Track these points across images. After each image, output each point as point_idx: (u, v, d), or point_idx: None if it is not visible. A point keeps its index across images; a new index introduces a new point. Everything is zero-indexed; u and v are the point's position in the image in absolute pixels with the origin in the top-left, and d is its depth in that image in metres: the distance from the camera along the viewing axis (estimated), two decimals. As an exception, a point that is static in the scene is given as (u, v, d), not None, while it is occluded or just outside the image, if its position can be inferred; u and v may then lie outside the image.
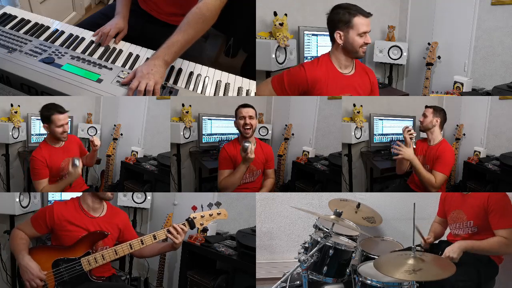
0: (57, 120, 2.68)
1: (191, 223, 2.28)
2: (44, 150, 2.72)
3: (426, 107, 2.93)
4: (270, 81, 2.52)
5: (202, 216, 2.29)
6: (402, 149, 2.72)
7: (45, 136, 2.79)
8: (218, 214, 2.33)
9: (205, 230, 3.03)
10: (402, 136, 2.94)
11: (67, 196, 2.53)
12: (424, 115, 2.90)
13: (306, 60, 3.46)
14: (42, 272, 2.17)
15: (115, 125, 4.04)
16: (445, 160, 2.81)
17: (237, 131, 2.89)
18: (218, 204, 2.34)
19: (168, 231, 2.24)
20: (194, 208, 2.33)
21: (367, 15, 2.42)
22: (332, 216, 2.40)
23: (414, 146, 2.79)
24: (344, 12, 2.41)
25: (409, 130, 2.77)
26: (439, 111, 2.90)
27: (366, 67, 2.67)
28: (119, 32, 2.63)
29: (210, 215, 2.31)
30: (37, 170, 2.67)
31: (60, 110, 2.69)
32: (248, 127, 2.76)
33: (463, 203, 2.50)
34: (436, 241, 2.65)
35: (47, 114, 2.66)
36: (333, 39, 2.47)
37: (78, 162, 2.66)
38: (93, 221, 2.37)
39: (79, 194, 2.46)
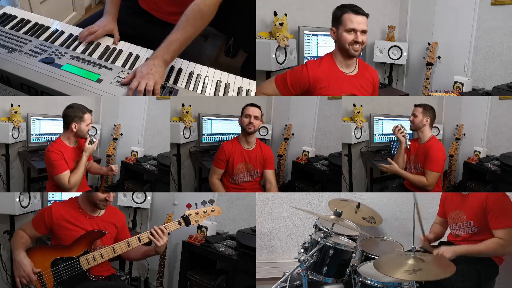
0: (88, 119, 2.70)
1: (186, 220, 2.34)
2: (60, 144, 2.67)
3: (415, 106, 2.93)
4: (274, 80, 2.55)
5: (196, 213, 2.36)
6: (388, 166, 2.90)
7: (60, 134, 2.73)
8: (212, 211, 2.41)
9: (200, 227, 3.07)
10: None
11: (67, 196, 2.53)
12: (414, 115, 2.91)
13: (306, 60, 3.46)
14: (35, 270, 2.17)
15: (115, 125, 4.04)
16: (432, 157, 2.83)
17: (237, 131, 2.93)
18: (211, 202, 2.41)
19: (151, 233, 2.28)
20: (189, 206, 2.38)
21: (359, 13, 2.41)
22: (332, 216, 2.40)
23: (409, 143, 2.87)
24: (338, 10, 2.46)
25: (400, 129, 2.86)
26: (429, 110, 2.90)
27: (369, 68, 2.67)
28: (109, 33, 2.60)
29: (204, 212, 2.38)
30: (55, 162, 2.59)
31: (89, 109, 2.73)
32: (251, 125, 2.88)
33: (463, 204, 2.50)
34: (436, 242, 2.65)
35: (80, 113, 2.66)
36: None
37: (96, 139, 2.73)
38: (92, 221, 2.38)
39: (78, 194, 2.47)
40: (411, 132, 3.10)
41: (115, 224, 2.45)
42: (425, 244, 2.51)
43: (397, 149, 3.78)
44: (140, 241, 2.28)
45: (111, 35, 2.62)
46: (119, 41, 2.61)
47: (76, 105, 2.68)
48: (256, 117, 2.88)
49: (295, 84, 2.48)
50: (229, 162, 2.92)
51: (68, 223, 2.32)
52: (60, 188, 2.66)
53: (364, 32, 2.42)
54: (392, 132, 3.94)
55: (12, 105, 3.49)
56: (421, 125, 2.89)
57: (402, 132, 2.87)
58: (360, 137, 3.77)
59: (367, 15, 2.44)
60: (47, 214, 2.33)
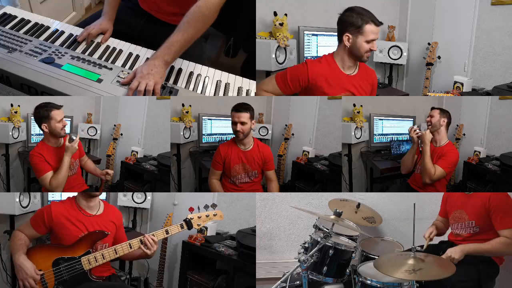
0: (56, 115, 2.62)
1: (188, 223, 2.36)
2: (41, 147, 2.67)
3: (432, 108, 3.00)
4: (274, 77, 2.56)
5: (199, 217, 2.38)
6: (424, 131, 2.86)
7: (42, 137, 2.73)
8: (214, 215, 2.43)
9: (202, 230, 3.06)
10: (402, 136, 2.97)
11: (66, 196, 2.53)
12: (431, 116, 2.96)
13: (306, 59, 3.47)
14: (37, 272, 2.17)
15: (115, 125, 4.04)
16: (448, 158, 2.89)
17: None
18: (214, 206, 2.43)
19: (142, 242, 2.29)
20: (191, 209, 2.41)
21: (379, 24, 2.44)
22: (332, 216, 2.40)
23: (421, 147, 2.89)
24: (357, 16, 2.42)
25: (415, 130, 2.90)
26: (445, 112, 2.98)
27: (369, 69, 2.69)
28: (104, 32, 2.61)
29: (207, 216, 2.41)
30: (36, 165, 2.61)
31: (56, 105, 2.64)
32: (239, 133, 2.85)
33: (465, 203, 2.51)
34: (436, 242, 2.65)
35: (45, 112, 2.60)
36: (340, 40, 2.49)
37: (75, 137, 2.67)
38: (91, 219, 2.38)
39: (74, 194, 2.47)
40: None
41: (114, 222, 2.46)
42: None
43: (397, 149, 3.81)
44: (141, 242, 2.29)
45: (112, 36, 2.63)
46: (110, 39, 2.61)
47: (42, 105, 2.62)
48: (242, 123, 2.83)
49: (295, 80, 2.49)
50: (225, 163, 2.91)
51: (68, 221, 2.32)
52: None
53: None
54: (392, 132, 3.98)
55: (12, 105, 3.49)
56: (438, 125, 2.93)
57: (417, 133, 2.90)
58: (360, 137, 3.77)
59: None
60: (46, 214, 2.32)
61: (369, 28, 2.41)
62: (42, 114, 2.61)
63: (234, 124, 2.86)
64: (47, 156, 2.63)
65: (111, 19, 2.69)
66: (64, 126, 2.68)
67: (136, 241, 2.29)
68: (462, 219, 2.49)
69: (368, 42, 2.43)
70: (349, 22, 2.43)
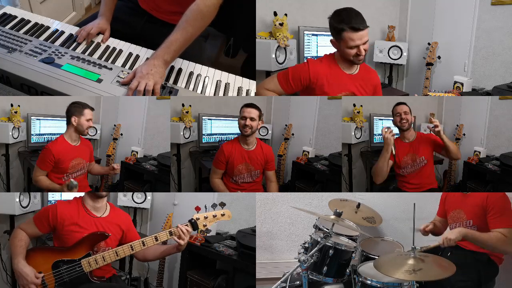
0: (88, 114, 2.82)
1: (194, 224, 2.24)
2: (59, 144, 2.80)
3: (401, 104, 2.97)
4: (276, 76, 2.57)
5: (205, 217, 2.26)
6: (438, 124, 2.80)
7: (63, 132, 2.87)
8: (222, 215, 2.29)
9: (207, 231, 3.01)
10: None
11: (67, 196, 2.52)
12: (405, 113, 2.95)
13: (307, 58, 3.47)
14: (37, 275, 2.16)
15: (115, 125, 4.04)
16: (438, 140, 2.89)
17: (237, 131, 2.92)
18: (222, 205, 2.29)
19: (171, 233, 2.22)
20: (198, 209, 2.28)
21: (359, 29, 2.36)
22: (332, 216, 2.41)
23: (394, 150, 2.84)
24: (337, 23, 2.39)
25: (392, 131, 2.81)
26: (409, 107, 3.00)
27: (370, 69, 2.69)
28: (102, 33, 2.61)
29: (214, 216, 2.27)
30: (44, 160, 2.78)
31: (90, 107, 2.84)
32: (247, 128, 2.84)
33: (463, 203, 2.52)
34: (437, 242, 2.65)
35: (80, 107, 2.78)
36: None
37: (75, 189, 2.73)
38: (96, 221, 2.36)
39: (81, 194, 2.46)
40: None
41: (120, 225, 2.42)
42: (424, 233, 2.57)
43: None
44: (144, 244, 2.24)
45: (111, 36, 2.63)
46: (110, 39, 2.62)
47: (78, 102, 2.81)
48: (252, 119, 2.83)
49: (297, 79, 2.50)
50: (228, 163, 2.91)
51: (72, 222, 2.31)
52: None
53: (365, 42, 2.41)
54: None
55: (12, 105, 3.49)
56: (411, 123, 2.99)
57: (391, 133, 2.80)
58: (360, 137, 3.77)
59: (367, 27, 2.39)
60: (51, 213, 2.30)
61: (347, 35, 2.36)
62: (76, 109, 2.79)
63: (243, 119, 2.84)
64: (61, 155, 2.77)
65: (108, 20, 2.70)
66: (90, 127, 2.86)
67: (138, 243, 2.24)
68: (460, 219, 2.49)
69: (350, 48, 2.39)
70: (332, 28, 2.44)
